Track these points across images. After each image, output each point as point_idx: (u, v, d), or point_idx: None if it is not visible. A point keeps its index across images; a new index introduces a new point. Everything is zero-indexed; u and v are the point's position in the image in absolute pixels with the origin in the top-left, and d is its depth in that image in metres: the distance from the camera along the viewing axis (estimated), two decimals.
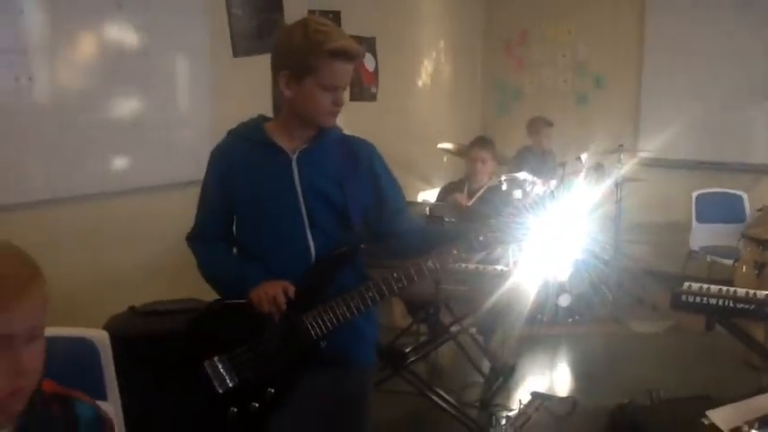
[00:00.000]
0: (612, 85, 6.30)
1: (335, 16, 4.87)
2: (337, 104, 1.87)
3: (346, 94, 1.93)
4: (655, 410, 2.24)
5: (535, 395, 2.87)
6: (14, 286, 1.07)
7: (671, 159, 5.76)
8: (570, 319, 4.89)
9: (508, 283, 3.31)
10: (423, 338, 4.01)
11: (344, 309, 1.83)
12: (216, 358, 1.83)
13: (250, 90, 4.34)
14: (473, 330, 4.01)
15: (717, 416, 2.07)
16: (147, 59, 3.62)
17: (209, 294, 1.99)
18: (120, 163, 3.61)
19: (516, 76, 6.73)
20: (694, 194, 5.45)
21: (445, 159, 5.99)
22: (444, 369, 4.11)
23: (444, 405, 3.31)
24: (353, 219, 1.90)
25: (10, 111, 3.06)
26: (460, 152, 5.14)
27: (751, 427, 1.97)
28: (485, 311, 3.53)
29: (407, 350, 3.54)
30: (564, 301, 4.87)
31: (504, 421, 3.05)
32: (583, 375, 3.97)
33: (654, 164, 5.58)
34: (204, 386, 1.82)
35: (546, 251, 4.19)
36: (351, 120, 4.34)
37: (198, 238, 1.98)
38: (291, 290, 1.81)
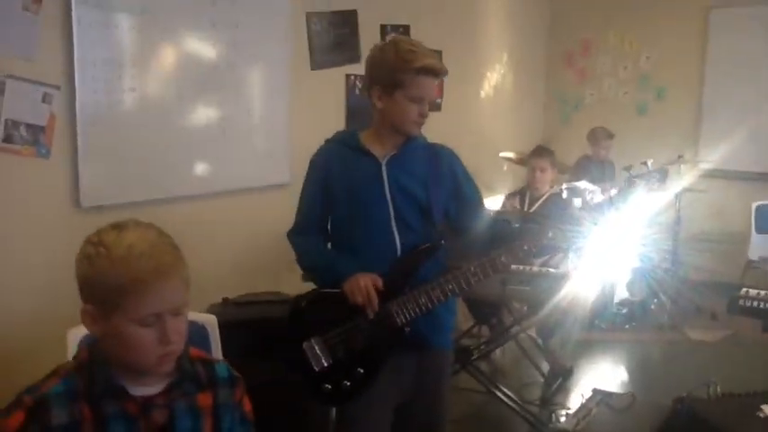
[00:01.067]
0: (673, 97, 6.39)
1: (405, 30, 5.11)
2: (423, 115, 2.12)
3: None
4: (712, 403, 2.40)
5: (596, 391, 3.04)
6: (163, 271, 1.33)
7: (731, 170, 5.83)
8: (627, 326, 5.01)
9: (568, 286, 3.49)
10: (483, 340, 4.20)
11: (426, 299, 2.06)
12: (313, 340, 2.07)
13: (325, 100, 4.66)
14: (532, 332, 4.19)
15: None
16: (235, 72, 3.91)
17: (287, 288, 2.23)
18: (208, 167, 3.89)
19: (578, 87, 6.87)
20: (754, 205, 5.50)
21: (505, 168, 6.16)
22: (505, 368, 4.28)
23: (507, 401, 3.50)
24: (435, 215, 2.13)
25: (118, 119, 3.39)
26: (521, 161, 5.32)
27: None
28: (545, 313, 3.73)
29: (472, 348, 3.74)
30: (621, 308, 4.99)
31: (564, 417, 3.22)
32: (640, 378, 4.10)
33: (713, 175, 5.65)
34: (302, 365, 2.07)
35: (605, 258, 4.33)
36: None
37: (298, 234, 2.23)
38: (380, 282, 2.05)
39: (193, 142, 3.76)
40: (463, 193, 2.21)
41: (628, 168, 5.30)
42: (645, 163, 5.07)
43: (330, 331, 2.07)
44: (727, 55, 6.00)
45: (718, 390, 2.45)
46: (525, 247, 2.11)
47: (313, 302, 2.15)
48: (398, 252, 2.11)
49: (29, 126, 3.08)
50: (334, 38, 4.59)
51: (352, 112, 4.81)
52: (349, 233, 2.16)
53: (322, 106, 4.62)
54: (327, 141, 2.28)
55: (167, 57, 3.61)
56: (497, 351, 4.23)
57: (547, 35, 7.01)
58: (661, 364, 4.41)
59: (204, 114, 3.83)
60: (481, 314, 4.09)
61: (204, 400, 1.46)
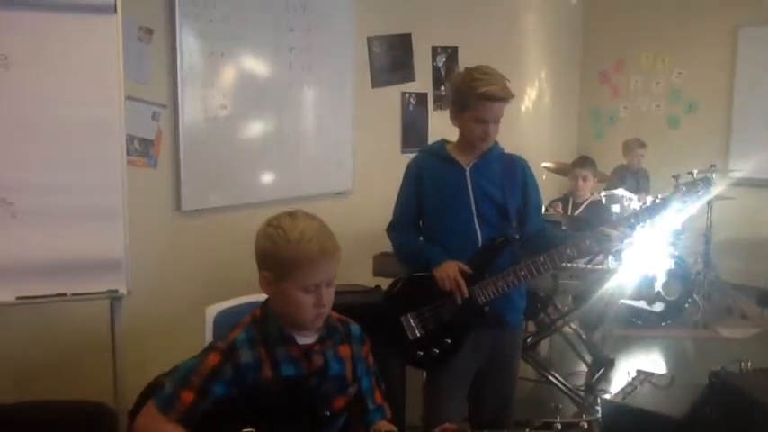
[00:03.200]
0: (704, 110, 6.74)
1: (453, 51, 5.55)
2: (486, 133, 2.49)
3: None
4: (744, 376, 2.77)
5: (639, 371, 3.40)
6: (325, 252, 1.75)
7: (761, 179, 6.16)
8: (663, 324, 5.37)
9: (611, 282, 3.87)
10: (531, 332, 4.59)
11: (503, 283, 2.47)
12: (408, 314, 2.49)
13: (383, 116, 5.11)
14: (576, 326, 4.57)
15: None
16: (307, 90, 4.38)
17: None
18: (284, 176, 4.34)
19: (611, 102, 7.26)
20: None
21: (545, 177, 6.55)
22: (552, 359, 4.65)
23: (558, 384, 3.89)
24: (510, 214, 2.54)
25: (212, 133, 3.86)
26: (560, 170, 5.72)
27: None
28: (589, 306, 4.13)
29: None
30: (658, 306, 5.36)
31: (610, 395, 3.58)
32: (676, 366, 4.46)
33: (744, 183, 5.98)
34: (399, 336, 2.49)
35: (642, 260, 4.71)
36: None
37: (396, 228, 2.66)
38: (467, 269, 2.46)
39: (272, 154, 4.23)
40: (530, 198, 2.62)
41: (676, 177, 5.63)
42: (691, 173, 5.42)
43: (422, 307, 2.49)
44: (755, 70, 6.36)
45: (749, 365, 2.83)
46: (588, 242, 2.51)
47: (407, 284, 2.57)
48: (479, 244, 2.52)
49: (141, 140, 3.56)
50: (392, 59, 5.04)
51: (407, 127, 5.26)
52: (438, 227, 2.57)
53: (380, 121, 5.08)
54: (421, 151, 2.70)
55: (252, 78, 4.09)
56: (544, 343, 4.60)
57: (582, 54, 7.41)
58: (695, 357, 4.76)
59: (281, 129, 4.29)
60: (530, 309, 4.47)
61: (345, 350, 1.89)
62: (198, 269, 3.84)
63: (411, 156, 5.11)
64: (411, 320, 2.49)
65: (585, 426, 1.70)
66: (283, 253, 1.72)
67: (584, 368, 4.39)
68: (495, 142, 2.60)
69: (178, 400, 1.70)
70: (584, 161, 4.94)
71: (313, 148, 4.50)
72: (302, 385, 1.79)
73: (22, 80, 2.44)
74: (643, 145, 6.16)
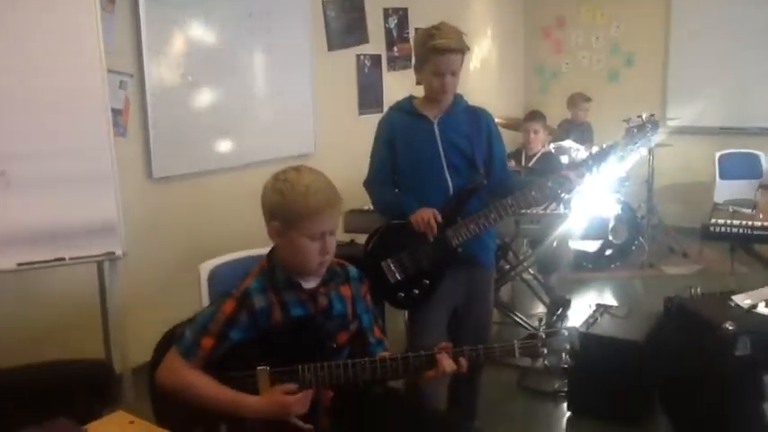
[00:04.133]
0: (642, 63, 7.07)
1: (404, 12, 5.69)
2: (444, 85, 2.64)
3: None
4: (695, 300, 3.06)
5: (598, 305, 3.68)
6: (329, 204, 1.91)
7: (695, 126, 6.53)
8: (612, 266, 5.71)
9: (564, 225, 4.14)
10: None
11: (474, 225, 2.66)
12: (388, 260, 2.67)
13: (340, 78, 5.23)
14: (534, 271, 4.85)
15: (739, 299, 2.90)
16: (269, 56, 4.47)
17: None
18: (248, 141, 4.43)
19: (554, 58, 7.53)
20: (717, 155, 6.23)
21: None
22: (513, 302, 4.92)
23: (522, 324, 4.17)
24: (478, 162, 2.72)
25: (178, 102, 3.94)
26: (510, 125, 5.95)
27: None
28: (544, 251, 4.40)
29: None
30: (606, 249, 5.69)
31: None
32: (628, 303, 4.78)
33: (680, 131, 6.32)
34: (381, 280, 2.67)
35: (590, 206, 5.00)
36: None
37: (372, 183, 2.82)
38: (438, 216, 2.65)
39: (237, 119, 4.32)
40: (495, 148, 2.81)
41: (627, 120, 5.90)
42: (640, 116, 5.69)
43: (401, 252, 2.68)
44: (689, 22, 6.69)
45: (699, 291, 3.12)
46: (550, 184, 2.72)
47: (385, 232, 2.75)
48: (451, 191, 2.70)
49: (111, 109, 3.61)
50: (346, 21, 5.15)
51: (363, 89, 5.40)
52: (412, 178, 2.74)
53: (338, 84, 5.20)
54: (390, 109, 2.85)
55: (214, 45, 4.16)
56: (505, 289, 4.86)
57: (523, 12, 7.63)
58: (644, 293, 5.11)
59: (244, 95, 4.38)
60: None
61: (345, 291, 2.06)
62: (174, 233, 3.95)
63: (368, 117, 5.34)
64: (391, 265, 2.67)
65: (566, 333, 1.94)
66: (292, 205, 1.87)
67: (543, 309, 4.68)
68: (461, 96, 2.78)
69: (199, 346, 1.85)
70: (534, 115, 5.17)
71: (276, 112, 4.61)
72: (310, 324, 1.96)
73: (4, 52, 2.50)
74: (588, 99, 6.44)
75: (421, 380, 1.97)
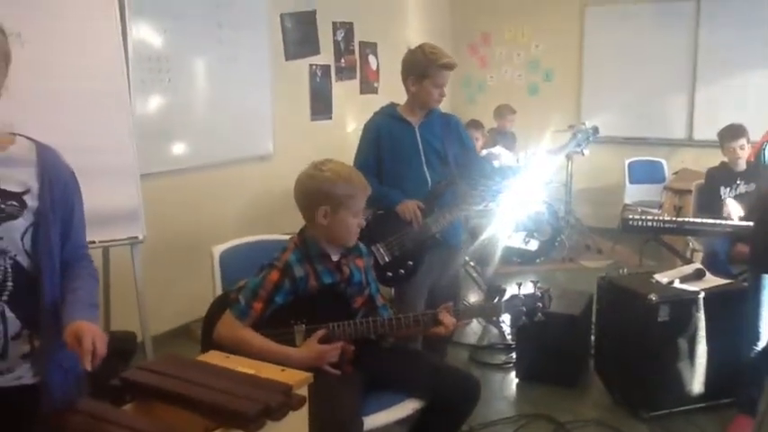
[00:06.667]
0: (558, 78, 7.80)
1: (350, 26, 6.14)
2: (442, 96, 3.17)
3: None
4: (623, 277, 3.67)
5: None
6: (365, 185, 2.35)
7: (608, 136, 7.20)
8: (537, 260, 6.35)
9: (494, 222, 4.73)
10: None
11: (449, 215, 3.14)
12: (378, 244, 3.11)
13: (295, 86, 5.62)
14: (473, 263, 5.40)
15: (659, 277, 3.51)
16: (234, 64, 4.82)
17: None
18: (215, 142, 4.77)
19: (480, 72, 8.17)
20: (627, 161, 7.02)
21: None
22: None
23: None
24: (450, 161, 3.21)
25: (162, 103, 4.24)
26: None
27: (681, 281, 3.41)
28: (483, 245, 4.98)
29: None
30: (532, 246, 6.33)
31: None
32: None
33: (593, 140, 7.03)
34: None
35: (517, 206, 5.62)
36: (361, 108, 5.68)
37: None
38: (421, 205, 3.11)
39: (207, 122, 4.65)
40: (465, 145, 3.31)
41: (572, 126, 6.46)
42: (584, 123, 6.35)
43: (387, 238, 3.12)
44: (600, 43, 7.49)
45: (626, 271, 3.73)
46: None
47: (374, 220, 3.17)
48: (429, 185, 3.17)
49: None
50: (301, 34, 5.56)
51: (314, 95, 5.81)
52: (395, 174, 3.19)
53: (293, 91, 5.60)
54: (376, 114, 3.29)
55: (190, 52, 4.48)
56: None
57: (451, 29, 8.23)
58: (567, 283, 5.74)
59: (215, 99, 4.71)
60: None
61: (360, 262, 2.50)
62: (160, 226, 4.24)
63: (319, 123, 5.74)
64: (380, 249, 3.11)
65: (540, 294, 2.45)
66: (339, 189, 2.31)
67: (479, 297, 5.24)
68: None
69: (251, 309, 2.25)
70: (475, 124, 5.75)
71: (240, 116, 4.95)
72: (338, 289, 2.39)
73: (37, 56, 2.78)
74: (514, 111, 7.07)
75: (430, 335, 2.43)
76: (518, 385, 3.87)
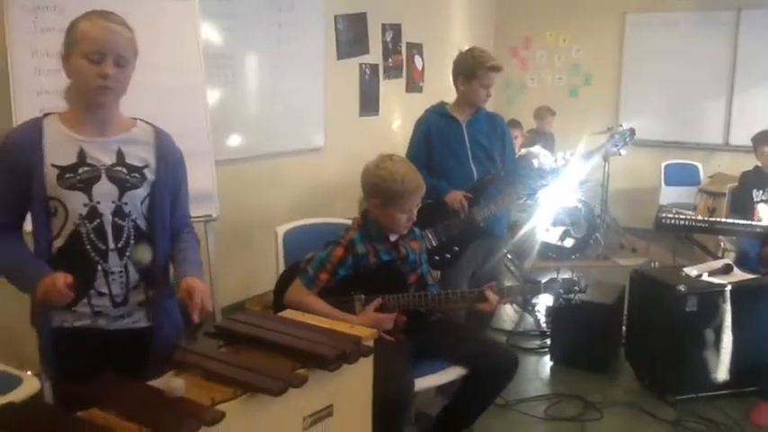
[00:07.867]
0: (598, 82, 8.00)
1: (398, 28, 6.43)
2: (488, 95, 3.44)
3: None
4: (655, 270, 3.90)
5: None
6: (419, 187, 2.63)
7: (645, 140, 7.45)
8: (573, 257, 6.57)
9: (534, 217, 4.97)
10: None
11: (494, 206, 3.41)
12: (426, 230, 3.38)
13: (346, 84, 5.93)
14: (512, 257, 5.65)
15: (688, 270, 3.73)
16: (293, 62, 5.15)
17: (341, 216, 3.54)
18: (272, 134, 5.11)
19: (521, 74, 8.40)
20: (663, 164, 7.20)
21: None
22: None
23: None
24: (495, 156, 3.48)
25: (225, 97, 4.58)
26: None
27: (709, 275, 3.63)
28: (522, 239, 5.23)
29: None
30: (568, 243, 6.55)
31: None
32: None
33: (632, 143, 7.22)
34: None
35: (555, 204, 5.85)
36: (406, 106, 5.96)
37: None
38: (468, 196, 3.39)
39: (267, 115, 4.98)
40: (507, 146, 3.57)
41: (611, 128, 6.67)
42: (621, 125, 6.57)
43: (436, 225, 3.40)
44: (639, 48, 7.68)
45: (657, 264, 3.96)
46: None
47: (424, 209, 3.41)
48: (475, 178, 3.45)
49: None
50: (352, 34, 5.86)
51: (363, 93, 6.11)
52: (444, 168, 3.46)
53: (344, 89, 5.91)
54: (426, 111, 3.58)
55: (251, 50, 4.82)
56: None
57: (494, 32, 8.48)
58: (602, 279, 5.95)
59: (269, 95, 5.04)
60: None
61: (414, 244, 2.79)
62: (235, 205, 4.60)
63: (367, 119, 6.04)
64: (429, 234, 3.38)
65: (576, 278, 2.71)
66: (390, 188, 2.58)
67: None
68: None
69: (318, 278, 2.55)
70: (513, 123, 5.99)
71: (295, 111, 5.27)
72: (394, 266, 2.68)
73: None
74: (554, 113, 7.30)
75: (475, 310, 2.71)
76: (552, 368, 4.12)
